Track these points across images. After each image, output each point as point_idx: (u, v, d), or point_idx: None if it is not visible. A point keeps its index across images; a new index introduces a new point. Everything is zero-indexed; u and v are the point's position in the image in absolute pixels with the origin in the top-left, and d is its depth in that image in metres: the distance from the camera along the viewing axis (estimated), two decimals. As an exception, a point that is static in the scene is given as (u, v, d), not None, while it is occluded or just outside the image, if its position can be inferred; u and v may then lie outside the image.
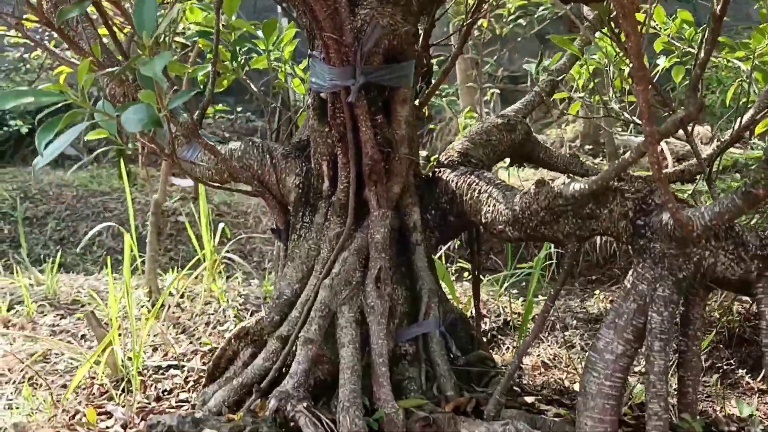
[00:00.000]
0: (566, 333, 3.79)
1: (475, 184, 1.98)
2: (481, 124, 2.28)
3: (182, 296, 3.67)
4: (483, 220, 1.93)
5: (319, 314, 1.83)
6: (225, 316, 3.51)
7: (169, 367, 2.59)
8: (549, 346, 3.61)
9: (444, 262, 3.81)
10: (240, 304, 3.78)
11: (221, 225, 4.94)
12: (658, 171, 1.44)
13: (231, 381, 1.95)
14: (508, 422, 1.71)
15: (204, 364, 2.62)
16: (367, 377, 1.83)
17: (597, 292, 5.41)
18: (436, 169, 2.15)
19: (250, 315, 3.63)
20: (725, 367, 3.19)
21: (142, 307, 3.67)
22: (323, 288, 1.86)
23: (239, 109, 8.85)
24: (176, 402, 2.25)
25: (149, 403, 2.31)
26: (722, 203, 1.47)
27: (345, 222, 1.94)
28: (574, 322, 4.28)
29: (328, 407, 1.89)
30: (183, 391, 2.38)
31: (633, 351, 1.70)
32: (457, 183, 2.03)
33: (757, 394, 3.01)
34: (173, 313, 3.47)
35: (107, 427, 2.21)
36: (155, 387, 2.46)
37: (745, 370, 3.22)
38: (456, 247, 4.89)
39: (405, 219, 2.05)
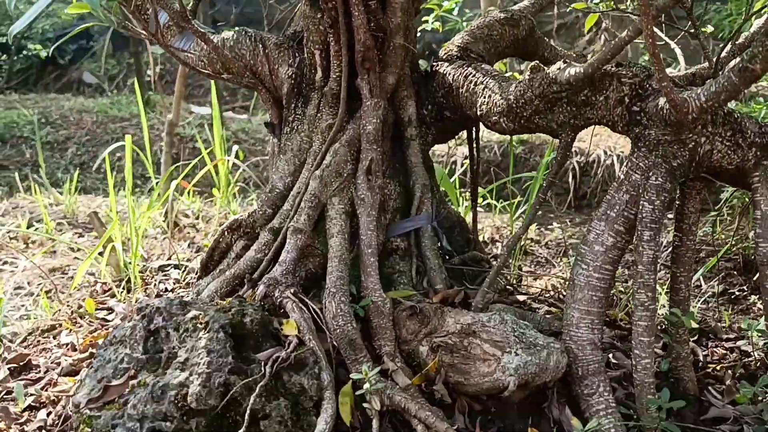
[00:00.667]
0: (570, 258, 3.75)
1: (471, 75, 1.92)
2: (483, 18, 2.19)
3: (197, 218, 3.70)
4: (478, 113, 1.88)
5: (309, 205, 1.82)
6: None
7: (172, 267, 2.63)
8: (561, 270, 3.59)
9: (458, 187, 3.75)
10: None
11: (235, 148, 4.95)
12: (653, 45, 1.37)
13: (224, 273, 1.96)
14: (495, 312, 1.70)
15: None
16: (356, 268, 1.83)
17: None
18: (434, 63, 2.09)
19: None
20: (737, 293, 3.16)
21: (158, 227, 3.70)
22: (313, 179, 1.84)
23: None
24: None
25: (149, 299, 2.36)
26: (718, 82, 1.40)
27: (337, 113, 1.90)
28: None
29: (318, 298, 1.90)
30: (182, 288, 2.42)
31: (624, 243, 1.66)
32: (453, 76, 1.97)
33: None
34: (188, 233, 3.50)
35: (106, 320, 2.26)
36: (156, 285, 2.50)
37: (757, 296, 3.19)
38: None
39: (400, 113, 2.00)
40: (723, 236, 4.73)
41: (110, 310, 2.34)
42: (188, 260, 2.79)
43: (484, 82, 1.86)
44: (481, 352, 1.59)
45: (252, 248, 1.94)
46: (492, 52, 2.16)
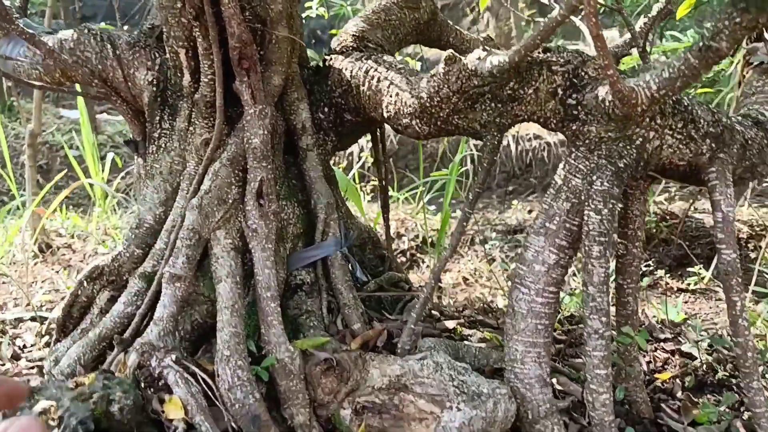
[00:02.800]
0: (486, 246, 3.59)
1: (373, 70, 1.61)
2: (379, 2, 1.88)
3: (72, 236, 3.20)
4: (385, 114, 1.57)
5: (187, 243, 1.45)
6: None
7: (29, 319, 2.16)
8: (469, 260, 3.39)
9: (358, 181, 3.48)
10: None
11: (111, 155, 4.43)
12: (596, 26, 1.11)
13: (86, 333, 1.56)
14: (425, 356, 1.42)
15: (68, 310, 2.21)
16: (253, 315, 1.49)
17: (515, 202, 5.24)
18: (327, 57, 1.76)
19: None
20: (644, 268, 3.07)
21: (27, 252, 3.20)
22: (190, 209, 1.47)
23: (125, 28, 8.00)
24: (30, 363, 1.85)
25: (3, 364, 1.91)
26: (672, 66, 1.17)
27: (213, 125, 1.54)
28: (494, 234, 4.10)
29: (210, 355, 1.55)
30: (40, 347, 1.97)
31: (567, 260, 1.42)
32: (352, 71, 1.65)
33: (680, 295, 2.93)
34: (62, 254, 3.01)
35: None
36: (13, 343, 2.04)
37: (664, 271, 3.12)
38: (370, 165, 4.55)
39: (291, 119, 1.66)
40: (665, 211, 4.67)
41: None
42: (51, 302, 2.34)
43: (389, 78, 1.56)
44: (416, 411, 1.30)
45: (120, 300, 1.55)
46: (392, 40, 1.86)
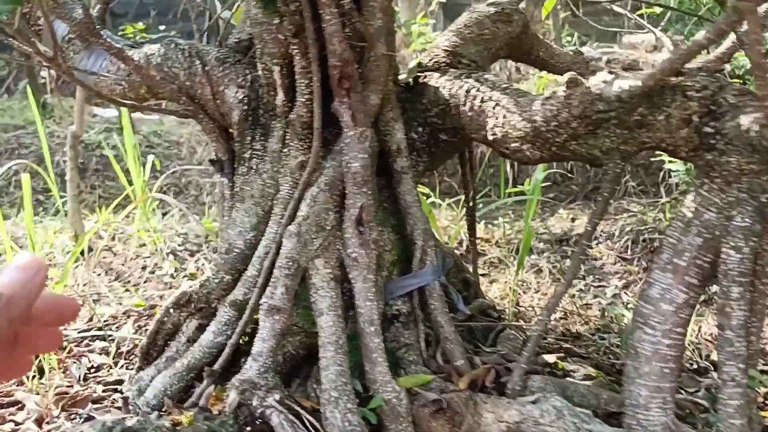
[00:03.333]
0: (531, 256, 3.47)
1: (475, 90, 1.52)
2: (469, 15, 1.79)
3: (113, 239, 3.16)
4: (490, 137, 1.48)
5: (286, 272, 1.37)
6: (163, 259, 3.04)
7: (95, 338, 2.10)
8: (515, 270, 3.29)
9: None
10: (179, 245, 3.31)
11: (150, 157, 4.39)
12: (759, 54, 1.01)
13: (173, 363, 1.49)
14: (539, 398, 1.33)
15: (137, 330, 2.15)
16: (354, 350, 1.41)
17: (562, 211, 5.11)
18: (420, 74, 1.67)
19: (190, 256, 3.16)
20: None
21: (68, 253, 3.16)
22: (288, 237, 1.39)
23: (162, 27, 7.97)
24: (104, 387, 1.78)
25: (71, 386, 1.84)
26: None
27: (309, 147, 1.46)
28: (540, 244, 3.98)
29: (304, 389, 1.47)
30: (112, 369, 1.91)
31: (696, 298, 1.32)
32: (451, 90, 1.56)
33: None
34: (104, 258, 2.97)
35: (16, 424, 1.73)
36: (78, 364, 1.98)
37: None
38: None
39: (386, 140, 1.58)
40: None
41: (19, 404, 1.81)
42: (114, 318, 2.28)
43: (494, 99, 1.47)
44: (540, 462, 1.21)
45: (209, 329, 1.48)
46: (485, 56, 1.76)
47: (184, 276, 2.79)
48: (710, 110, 1.26)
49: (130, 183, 3.61)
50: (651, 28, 2.16)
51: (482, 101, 1.49)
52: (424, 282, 1.52)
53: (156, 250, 3.20)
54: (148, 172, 3.85)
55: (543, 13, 2.86)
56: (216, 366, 1.43)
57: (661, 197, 5.86)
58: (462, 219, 3.70)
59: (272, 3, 1.40)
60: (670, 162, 5.13)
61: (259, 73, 1.52)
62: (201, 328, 1.51)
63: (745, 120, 1.21)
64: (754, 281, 1.41)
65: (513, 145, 1.43)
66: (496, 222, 3.83)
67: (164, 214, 4.59)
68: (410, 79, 1.68)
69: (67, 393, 1.79)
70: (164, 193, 5.49)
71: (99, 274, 2.74)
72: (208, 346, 1.46)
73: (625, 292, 3.00)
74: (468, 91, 1.52)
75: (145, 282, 2.75)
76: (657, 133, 1.30)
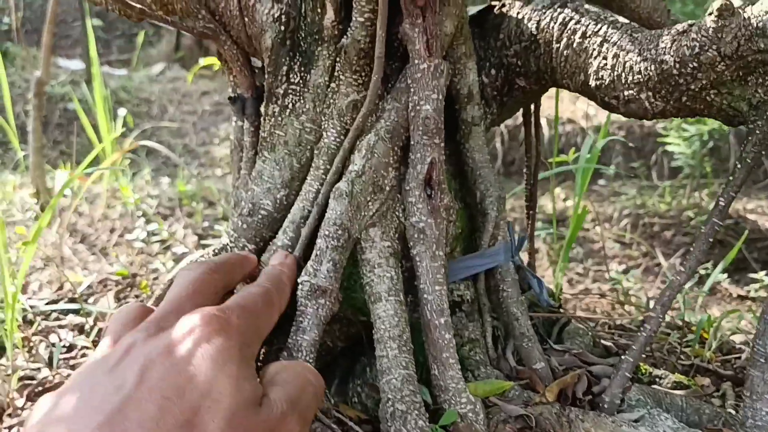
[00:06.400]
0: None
1: (574, 22, 1.20)
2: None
3: (79, 198, 2.81)
4: (593, 83, 1.17)
5: (334, 243, 1.04)
6: (133, 222, 2.70)
7: (67, 311, 1.75)
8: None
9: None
10: (151, 207, 2.98)
11: (122, 111, 4.00)
12: None
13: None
14: (643, 415, 1.05)
15: (118, 303, 1.80)
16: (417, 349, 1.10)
17: (558, 190, 4.88)
18: (495, 3, 1.35)
19: (164, 220, 2.82)
20: (701, 272, 2.74)
21: (27, 211, 2.80)
22: (338, 198, 1.07)
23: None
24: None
25: (38, 370, 1.50)
26: None
27: (366, 83, 1.13)
28: (539, 224, 3.74)
29: (341, 393, 1.16)
30: (88, 350, 1.56)
31: None
32: (539, 23, 1.24)
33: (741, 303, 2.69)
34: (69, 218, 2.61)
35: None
36: (47, 342, 1.63)
37: (725, 276, 2.82)
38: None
39: (455, 81, 1.25)
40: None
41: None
42: (90, 288, 1.92)
43: (602, 34, 1.15)
44: (666, 504, 0.93)
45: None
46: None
47: (157, 241, 2.46)
48: None
49: (99, 140, 3.25)
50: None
51: (584, 36, 1.17)
52: (495, 263, 1.21)
53: (126, 212, 2.85)
54: (120, 128, 3.47)
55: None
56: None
57: (652, 180, 5.66)
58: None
59: None
60: (674, 145, 4.89)
61: (302, -17, 1.17)
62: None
63: None
64: None
65: (627, 92, 1.12)
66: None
67: (134, 174, 4.24)
68: (481, 10, 1.35)
69: (33, 378, 1.45)
70: (136, 154, 5.09)
71: (62, 236, 2.38)
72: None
73: (627, 279, 2.76)
74: (565, 24, 1.20)
75: (114, 246, 2.40)
76: (830, 86, 1.01)
